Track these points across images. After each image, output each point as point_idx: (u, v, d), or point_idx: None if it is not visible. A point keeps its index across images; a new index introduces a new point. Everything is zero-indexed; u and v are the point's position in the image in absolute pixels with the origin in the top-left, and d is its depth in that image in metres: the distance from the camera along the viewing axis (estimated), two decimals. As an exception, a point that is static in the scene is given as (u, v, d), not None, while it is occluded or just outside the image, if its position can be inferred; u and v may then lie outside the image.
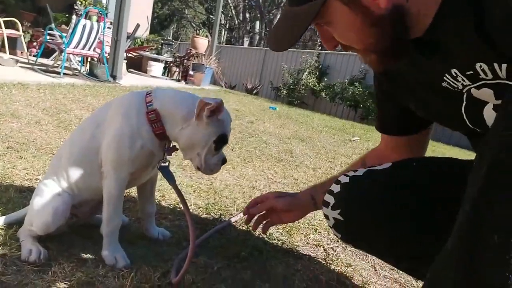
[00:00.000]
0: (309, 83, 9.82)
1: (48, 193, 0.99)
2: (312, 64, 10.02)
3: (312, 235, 1.47)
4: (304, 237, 1.45)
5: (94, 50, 5.45)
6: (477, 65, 0.65)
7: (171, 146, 1.05)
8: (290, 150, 3.14)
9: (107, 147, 0.97)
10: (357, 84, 8.78)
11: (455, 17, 0.64)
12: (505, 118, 0.55)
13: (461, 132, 0.91)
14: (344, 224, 0.96)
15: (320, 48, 12.37)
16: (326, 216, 1.00)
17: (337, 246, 1.42)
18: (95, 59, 5.67)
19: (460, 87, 0.73)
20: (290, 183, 2.19)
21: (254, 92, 10.90)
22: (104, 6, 9.06)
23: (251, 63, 12.06)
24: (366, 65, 1.09)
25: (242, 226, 1.43)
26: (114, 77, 5.58)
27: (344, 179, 0.97)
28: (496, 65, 0.63)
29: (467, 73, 0.68)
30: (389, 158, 1.04)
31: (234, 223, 1.44)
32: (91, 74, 5.40)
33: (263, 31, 19.92)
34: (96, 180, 1.01)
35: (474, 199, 0.55)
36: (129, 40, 7.08)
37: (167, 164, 1.04)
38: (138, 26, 7.34)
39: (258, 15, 19.87)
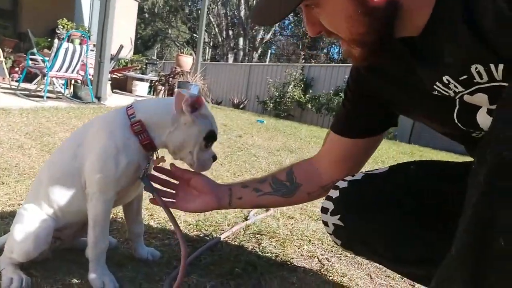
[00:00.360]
0: (294, 95, 9.94)
1: (29, 218, 0.95)
2: (297, 77, 10.16)
3: (306, 246, 1.45)
4: (298, 248, 1.43)
5: (77, 72, 5.41)
6: (472, 68, 0.62)
7: (157, 157, 1.02)
8: (279, 162, 3.13)
9: (91, 167, 0.94)
10: (342, 94, 8.92)
11: (449, 18, 0.62)
12: (504, 121, 0.53)
13: (449, 137, 0.90)
14: (344, 230, 0.94)
15: (304, 61, 12.55)
16: (325, 223, 0.98)
17: (332, 256, 1.40)
18: (79, 81, 5.63)
19: (452, 94, 0.70)
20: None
21: (241, 106, 10.95)
22: (87, 29, 9.05)
23: (236, 79, 12.15)
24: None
25: (234, 242, 1.40)
26: (98, 98, 5.54)
27: (342, 184, 0.95)
28: (492, 66, 0.60)
29: (461, 78, 0.66)
30: (321, 174, 1.01)
31: (226, 239, 1.41)
32: (75, 96, 5.35)
33: (247, 47, 20.16)
34: (80, 203, 0.97)
35: (476, 204, 0.53)
36: (113, 61, 7.07)
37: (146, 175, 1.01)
38: (121, 47, 7.35)
39: (241, 32, 20.13)
